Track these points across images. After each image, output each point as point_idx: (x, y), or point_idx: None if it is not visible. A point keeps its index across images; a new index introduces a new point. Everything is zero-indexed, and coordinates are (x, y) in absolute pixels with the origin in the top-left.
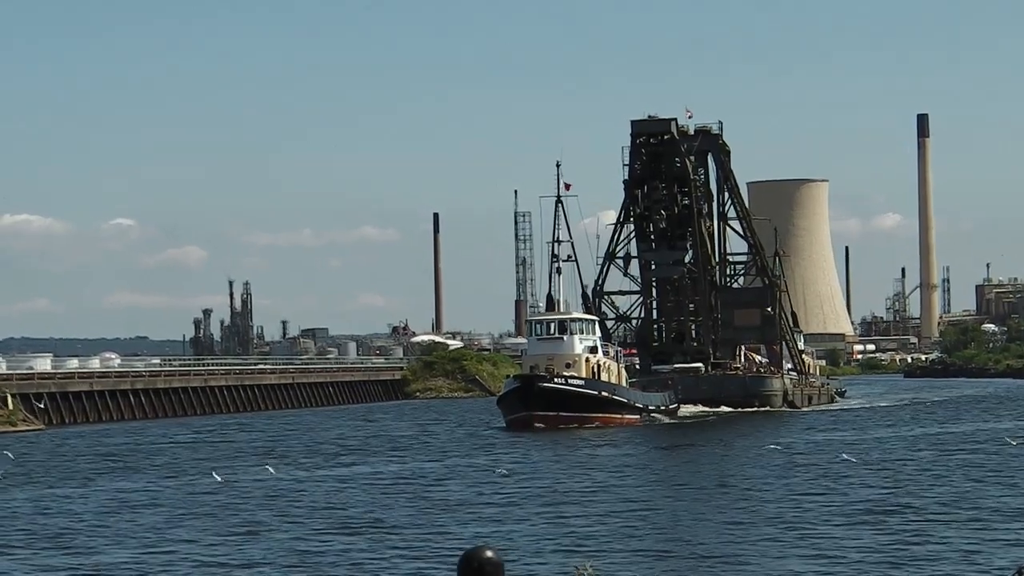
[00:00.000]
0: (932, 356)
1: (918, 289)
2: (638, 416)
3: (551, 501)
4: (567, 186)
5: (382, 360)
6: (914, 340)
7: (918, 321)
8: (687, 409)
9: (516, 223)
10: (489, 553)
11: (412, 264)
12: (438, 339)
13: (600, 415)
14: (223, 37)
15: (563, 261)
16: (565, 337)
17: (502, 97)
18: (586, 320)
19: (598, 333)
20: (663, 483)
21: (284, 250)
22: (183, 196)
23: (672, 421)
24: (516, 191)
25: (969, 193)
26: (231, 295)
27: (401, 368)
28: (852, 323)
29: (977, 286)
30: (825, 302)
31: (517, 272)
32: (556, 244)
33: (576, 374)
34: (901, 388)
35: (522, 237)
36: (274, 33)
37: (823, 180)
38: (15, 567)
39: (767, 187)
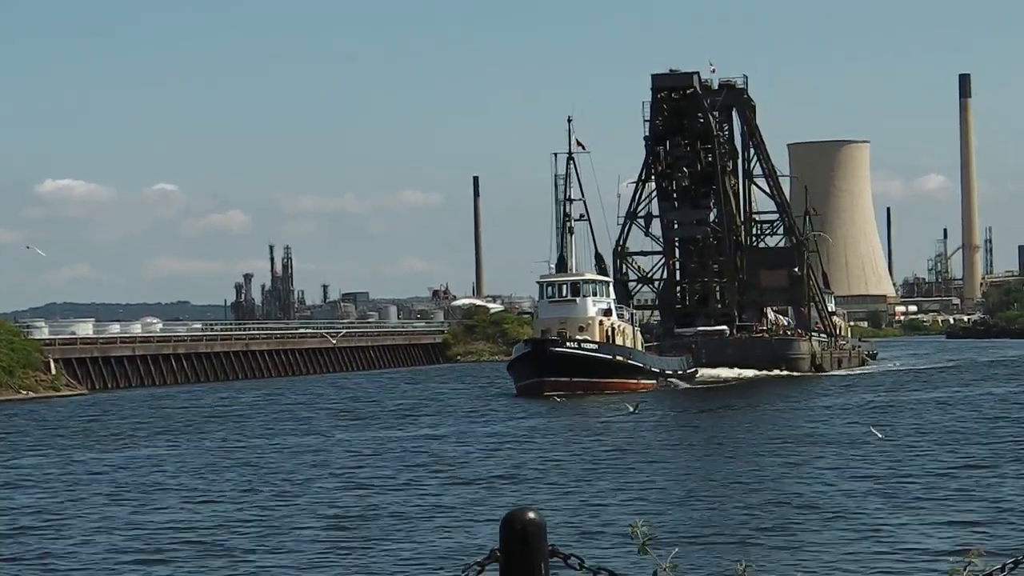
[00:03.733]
0: (975, 317)
1: (960, 250)
2: (654, 381)
3: (576, 466)
4: (579, 143)
5: (423, 324)
6: (956, 301)
7: (960, 282)
8: (710, 373)
9: (556, 186)
10: (531, 515)
11: (454, 228)
12: (479, 303)
13: (614, 380)
14: (266, 6)
15: (576, 220)
16: (578, 299)
17: (542, 61)
18: (600, 281)
19: (612, 295)
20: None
21: (327, 215)
22: (227, 161)
23: (689, 386)
24: (555, 154)
25: (1012, 153)
26: (272, 260)
27: (442, 332)
28: (894, 284)
29: (1020, 246)
30: (867, 264)
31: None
32: (568, 203)
33: (589, 338)
34: (939, 350)
35: (561, 200)
36: (314, 2)
37: (864, 141)
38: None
39: (808, 148)
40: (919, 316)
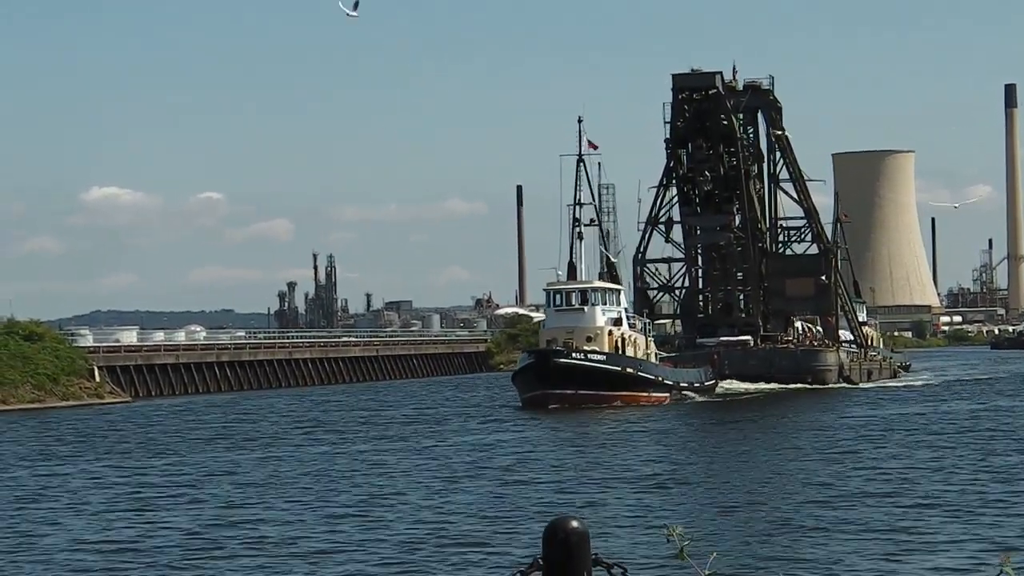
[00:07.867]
0: (1020, 327)
1: (1006, 260)
2: (667, 394)
3: (615, 474)
4: (591, 144)
5: (466, 333)
6: (1001, 311)
7: (1005, 292)
8: (732, 385)
9: (600, 195)
10: (575, 523)
11: (497, 237)
12: (521, 311)
13: (623, 393)
14: (305, 19)
15: (585, 225)
16: (586, 308)
17: (582, 69)
18: (610, 289)
19: (623, 304)
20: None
21: (371, 223)
22: (271, 170)
23: (706, 399)
24: (599, 163)
25: None
26: (315, 268)
27: (485, 340)
28: (939, 295)
29: None
30: (911, 274)
31: (600, 244)
32: (578, 207)
33: (597, 348)
34: (979, 360)
35: (605, 209)
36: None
37: (909, 151)
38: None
39: (852, 158)
40: (963, 327)
